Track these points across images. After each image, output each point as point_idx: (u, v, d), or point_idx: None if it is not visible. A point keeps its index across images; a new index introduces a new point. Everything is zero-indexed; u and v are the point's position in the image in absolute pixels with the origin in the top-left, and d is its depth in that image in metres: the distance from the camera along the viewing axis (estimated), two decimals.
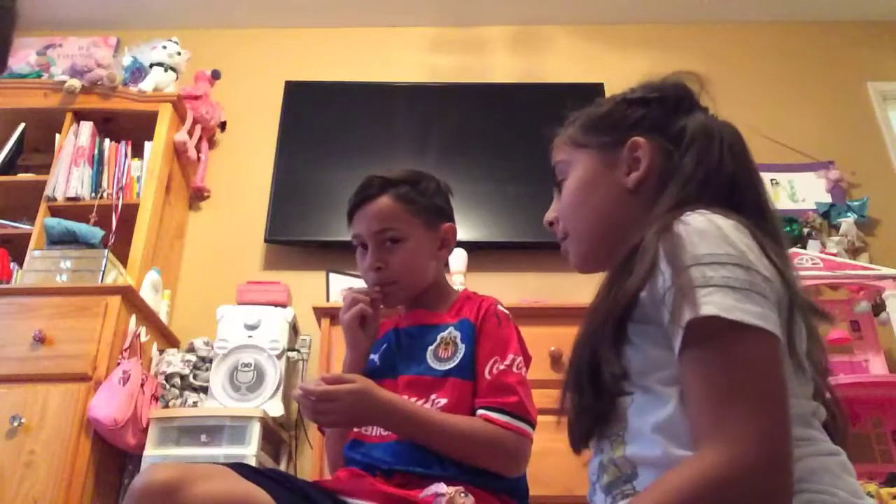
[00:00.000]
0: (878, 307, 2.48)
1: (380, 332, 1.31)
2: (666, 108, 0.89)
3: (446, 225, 1.32)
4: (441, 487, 1.01)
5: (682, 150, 0.84)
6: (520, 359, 1.19)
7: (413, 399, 1.17)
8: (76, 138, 2.79)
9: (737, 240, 0.71)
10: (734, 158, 0.84)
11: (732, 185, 0.82)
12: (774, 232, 0.81)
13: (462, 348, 1.19)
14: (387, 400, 1.12)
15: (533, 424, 1.15)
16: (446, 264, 2.57)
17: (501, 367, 1.16)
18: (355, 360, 1.26)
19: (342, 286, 2.63)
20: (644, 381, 0.74)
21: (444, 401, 1.15)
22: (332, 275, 2.68)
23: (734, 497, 0.63)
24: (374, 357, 1.28)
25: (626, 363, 0.75)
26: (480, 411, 1.13)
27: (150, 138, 2.81)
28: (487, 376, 1.16)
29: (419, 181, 1.30)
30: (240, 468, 1.00)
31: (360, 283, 1.37)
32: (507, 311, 1.25)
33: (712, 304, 0.66)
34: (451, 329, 1.22)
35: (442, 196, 1.34)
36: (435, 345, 1.21)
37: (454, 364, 1.18)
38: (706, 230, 0.71)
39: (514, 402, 1.13)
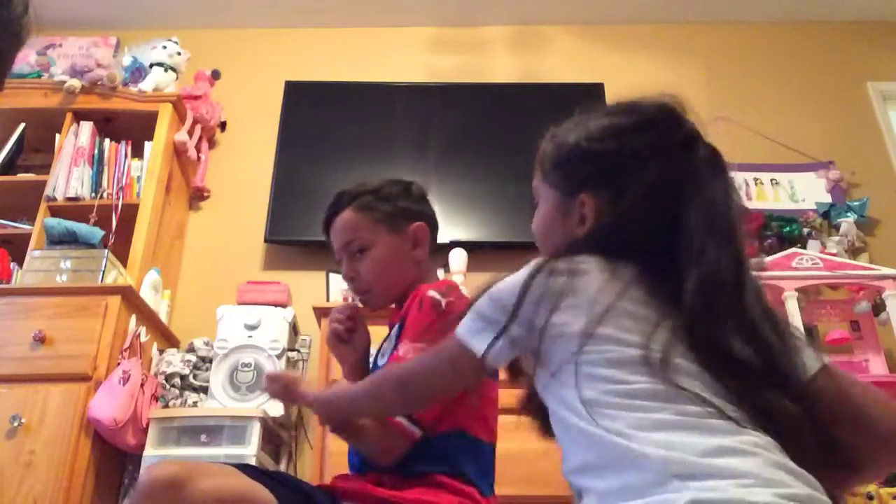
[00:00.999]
0: (878, 307, 2.48)
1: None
2: (621, 158, 0.87)
3: (414, 225, 1.32)
4: None
5: (621, 204, 0.85)
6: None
7: None
8: (76, 138, 2.79)
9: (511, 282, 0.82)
10: (681, 208, 0.82)
11: (654, 233, 0.82)
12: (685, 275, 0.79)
13: (395, 343, 1.20)
14: (313, 392, 1.15)
15: None
16: (445, 265, 2.59)
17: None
18: (347, 373, 1.31)
19: (342, 286, 2.63)
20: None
21: None
22: (332, 275, 2.68)
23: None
24: (381, 361, 1.29)
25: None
26: None
27: (150, 138, 2.81)
28: None
29: (381, 188, 1.33)
30: (245, 468, 1.01)
31: None
32: (438, 298, 1.16)
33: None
34: (398, 325, 1.24)
35: (411, 198, 1.34)
36: (390, 341, 1.25)
37: (386, 360, 1.21)
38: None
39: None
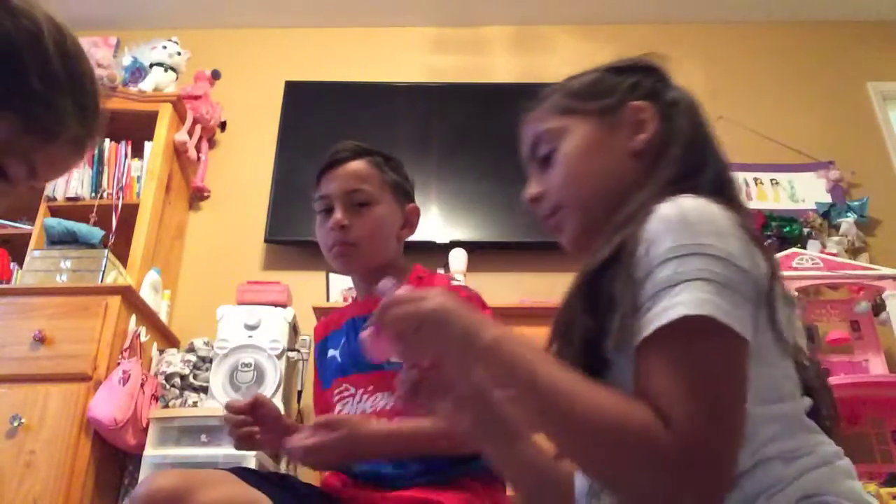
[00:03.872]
0: (878, 307, 2.48)
1: (339, 324, 1.27)
2: (656, 77, 0.88)
3: (412, 205, 1.31)
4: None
5: (677, 118, 0.83)
6: None
7: (386, 393, 1.13)
8: None
9: (724, 229, 0.66)
10: (709, 135, 0.84)
11: (709, 160, 0.81)
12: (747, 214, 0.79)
13: None
14: (373, 435, 1.05)
15: None
16: (445, 265, 2.59)
17: None
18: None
19: (342, 286, 2.63)
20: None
21: None
22: (332, 275, 2.68)
23: (647, 463, 0.57)
24: (335, 354, 1.23)
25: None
26: None
27: (150, 138, 2.81)
28: None
29: (391, 158, 1.31)
30: (240, 472, 0.98)
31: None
32: (465, 286, 1.19)
33: (681, 304, 0.61)
34: None
35: (409, 181, 1.33)
36: None
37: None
38: (686, 217, 0.66)
39: None
